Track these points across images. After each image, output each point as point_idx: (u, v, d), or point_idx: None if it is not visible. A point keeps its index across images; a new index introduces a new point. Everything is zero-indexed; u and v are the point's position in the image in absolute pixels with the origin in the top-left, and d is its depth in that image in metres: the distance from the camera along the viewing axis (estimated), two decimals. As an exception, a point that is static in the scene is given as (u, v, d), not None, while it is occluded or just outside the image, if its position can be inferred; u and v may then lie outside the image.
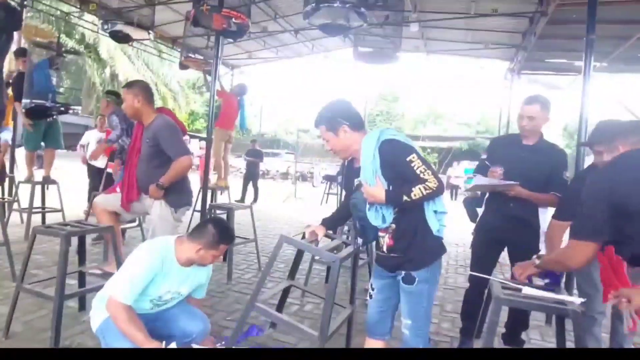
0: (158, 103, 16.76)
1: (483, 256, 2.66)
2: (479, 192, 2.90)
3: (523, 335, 2.77)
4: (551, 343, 2.94)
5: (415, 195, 1.67)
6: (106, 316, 1.86)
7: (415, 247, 1.77)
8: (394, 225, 1.79)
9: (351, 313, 2.34)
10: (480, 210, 2.77)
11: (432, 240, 1.80)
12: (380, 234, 1.86)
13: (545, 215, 2.51)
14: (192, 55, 7.53)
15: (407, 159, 1.71)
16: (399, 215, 1.79)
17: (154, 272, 1.86)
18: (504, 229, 2.53)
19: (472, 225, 2.89)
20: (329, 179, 11.60)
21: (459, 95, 32.61)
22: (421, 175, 1.68)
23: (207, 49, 8.65)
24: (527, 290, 1.64)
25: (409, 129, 26.60)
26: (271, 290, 2.46)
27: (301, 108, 27.76)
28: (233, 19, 3.38)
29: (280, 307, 2.56)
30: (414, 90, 31.14)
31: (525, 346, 2.79)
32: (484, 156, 2.75)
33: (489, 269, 2.62)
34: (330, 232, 2.21)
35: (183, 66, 7.76)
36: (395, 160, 1.74)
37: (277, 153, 23.07)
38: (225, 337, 2.50)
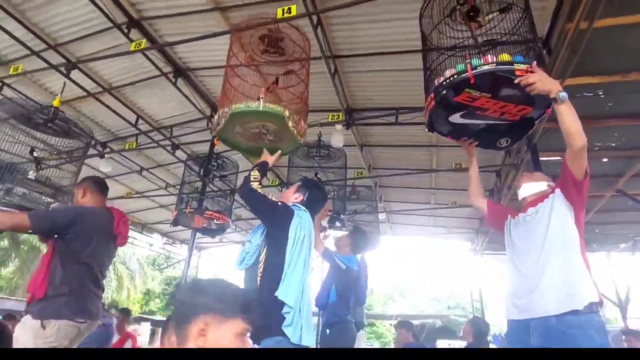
0: (113, 283, 15.68)
1: None
2: None
3: None
4: None
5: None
6: None
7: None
8: None
9: None
10: None
11: None
12: None
13: None
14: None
15: None
16: None
17: None
18: None
19: None
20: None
21: (426, 270, 33.34)
22: None
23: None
24: None
25: (379, 304, 25.88)
26: None
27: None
28: (215, 220, 3.40)
29: None
30: (381, 267, 31.65)
31: None
32: None
33: None
34: None
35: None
36: None
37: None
38: None
